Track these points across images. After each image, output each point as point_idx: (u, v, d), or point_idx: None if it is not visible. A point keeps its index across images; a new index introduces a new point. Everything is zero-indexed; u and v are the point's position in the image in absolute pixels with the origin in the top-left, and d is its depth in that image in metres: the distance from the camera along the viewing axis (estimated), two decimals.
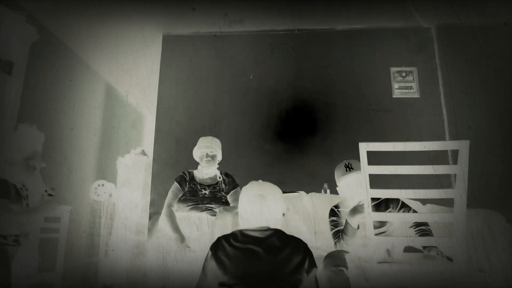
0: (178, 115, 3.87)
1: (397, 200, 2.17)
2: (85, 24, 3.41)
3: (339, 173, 2.22)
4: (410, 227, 2.12)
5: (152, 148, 3.65)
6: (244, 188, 1.64)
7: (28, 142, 1.81)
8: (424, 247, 2.04)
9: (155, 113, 3.91)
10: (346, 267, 1.91)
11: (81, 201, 3.47)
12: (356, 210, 1.99)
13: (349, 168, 2.17)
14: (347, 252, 2.04)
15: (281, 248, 1.44)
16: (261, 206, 1.53)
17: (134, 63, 4.02)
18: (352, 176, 2.14)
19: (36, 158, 1.84)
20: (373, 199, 1.96)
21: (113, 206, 3.40)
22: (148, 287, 2.04)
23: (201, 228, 2.47)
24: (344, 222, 2.19)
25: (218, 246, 1.46)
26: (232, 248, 1.44)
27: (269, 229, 1.51)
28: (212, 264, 1.43)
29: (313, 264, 1.45)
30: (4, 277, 1.73)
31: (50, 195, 1.96)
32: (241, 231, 1.51)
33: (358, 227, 2.00)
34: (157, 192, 3.11)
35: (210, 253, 1.47)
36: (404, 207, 2.17)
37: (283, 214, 1.58)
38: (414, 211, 2.17)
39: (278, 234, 1.50)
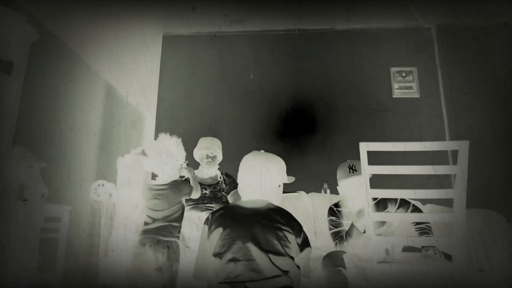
0: (178, 115, 3.87)
1: (395, 198, 2.16)
2: (85, 24, 3.41)
3: (342, 174, 2.19)
4: (411, 223, 2.11)
5: None
6: (245, 158, 1.62)
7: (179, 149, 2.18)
8: (423, 247, 2.04)
9: (155, 113, 3.91)
10: (345, 267, 1.91)
11: (81, 201, 3.47)
12: (363, 213, 1.97)
13: (353, 170, 2.15)
14: (345, 252, 2.04)
15: (276, 217, 1.44)
16: (258, 177, 1.54)
17: (134, 63, 4.02)
18: (354, 179, 2.12)
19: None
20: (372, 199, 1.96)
21: (113, 206, 3.40)
22: (148, 287, 2.04)
23: (201, 228, 2.47)
24: (344, 222, 2.18)
25: (213, 217, 1.49)
26: (229, 218, 1.45)
27: (269, 203, 1.51)
28: (211, 236, 1.46)
29: (307, 243, 1.45)
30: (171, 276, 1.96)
31: (188, 164, 2.30)
32: (240, 203, 1.53)
33: (365, 231, 1.99)
34: None
35: (205, 228, 1.50)
36: (403, 205, 2.15)
37: (279, 186, 1.58)
38: (415, 207, 2.15)
39: (278, 208, 1.50)
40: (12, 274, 2.35)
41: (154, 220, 2.03)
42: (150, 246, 1.98)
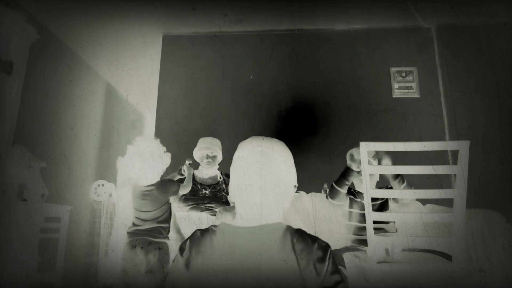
0: (178, 115, 3.87)
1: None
2: (85, 24, 3.41)
3: (351, 154, 2.35)
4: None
5: None
6: (243, 148, 0.98)
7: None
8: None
9: (155, 113, 3.91)
10: (344, 267, 1.91)
11: (81, 201, 3.47)
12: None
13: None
14: (345, 252, 2.05)
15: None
16: (266, 179, 0.93)
17: (134, 63, 4.02)
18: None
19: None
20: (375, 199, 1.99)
21: (113, 206, 3.40)
22: (148, 287, 2.05)
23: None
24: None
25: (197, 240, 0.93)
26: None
27: (286, 228, 0.93)
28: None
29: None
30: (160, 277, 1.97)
31: (190, 164, 2.38)
32: (238, 238, 0.91)
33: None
34: None
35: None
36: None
37: (295, 186, 1.03)
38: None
39: (300, 234, 0.92)
40: (12, 274, 2.35)
41: (144, 221, 2.03)
42: (142, 248, 1.97)
